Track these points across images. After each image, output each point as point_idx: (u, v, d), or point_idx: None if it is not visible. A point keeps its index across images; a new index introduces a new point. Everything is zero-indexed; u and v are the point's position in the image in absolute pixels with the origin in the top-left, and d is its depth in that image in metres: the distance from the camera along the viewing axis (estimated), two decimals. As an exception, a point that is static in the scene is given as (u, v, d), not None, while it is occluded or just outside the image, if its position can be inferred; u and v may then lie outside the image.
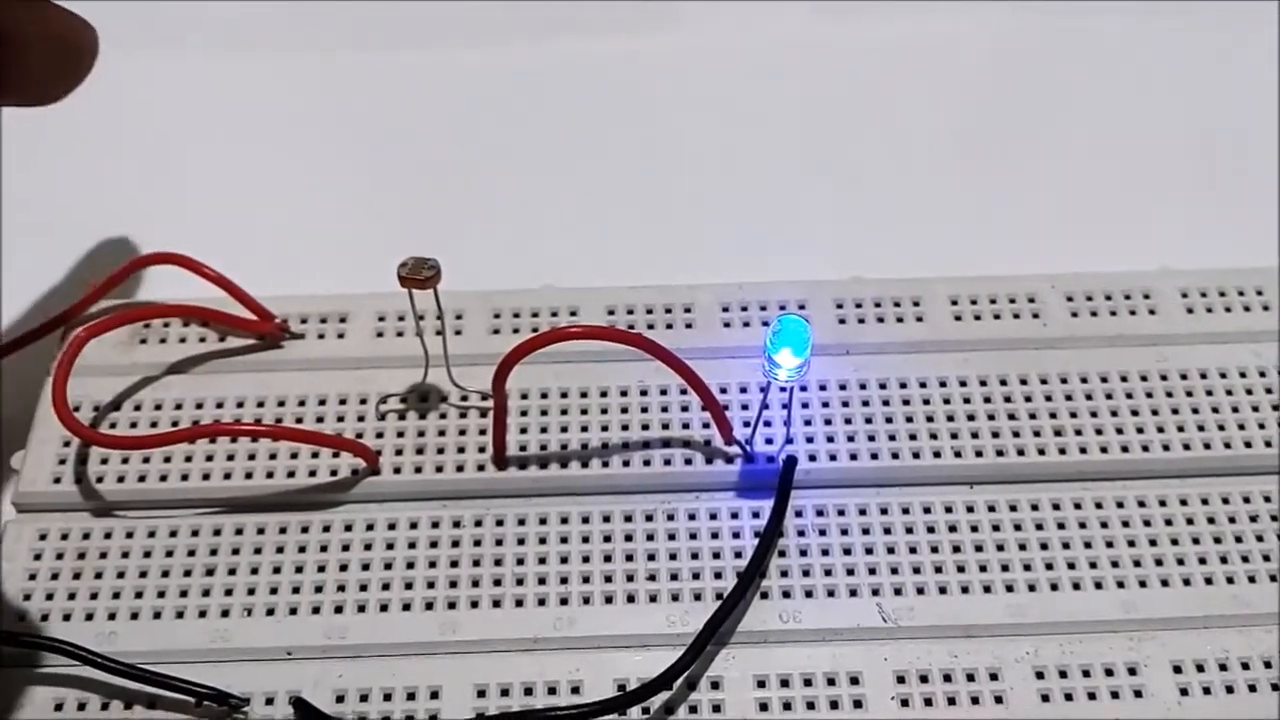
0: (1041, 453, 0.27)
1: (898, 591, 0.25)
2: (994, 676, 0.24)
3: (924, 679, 0.24)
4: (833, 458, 0.27)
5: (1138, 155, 0.35)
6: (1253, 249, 0.31)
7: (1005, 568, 0.25)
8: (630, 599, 0.25)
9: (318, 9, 0.38)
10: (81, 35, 0.24)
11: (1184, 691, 0.24)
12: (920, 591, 0.25)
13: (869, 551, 0.25)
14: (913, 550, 0.25)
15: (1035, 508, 0.26)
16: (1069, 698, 0.24)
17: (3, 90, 0.22)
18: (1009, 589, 0.25)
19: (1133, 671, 0.24)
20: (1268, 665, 0.24)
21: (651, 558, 0.25)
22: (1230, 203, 0.33)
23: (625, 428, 0.27)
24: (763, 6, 0.38)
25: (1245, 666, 0.24)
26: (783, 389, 0.26)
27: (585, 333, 0.25)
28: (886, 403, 0.27)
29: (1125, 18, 0.38)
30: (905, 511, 0.26)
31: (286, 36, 0.38)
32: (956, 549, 0.25)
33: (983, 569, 0.25)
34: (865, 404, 0.27)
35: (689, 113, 0.36)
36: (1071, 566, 0.25)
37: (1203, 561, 0.25)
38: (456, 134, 0.36)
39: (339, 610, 0.25)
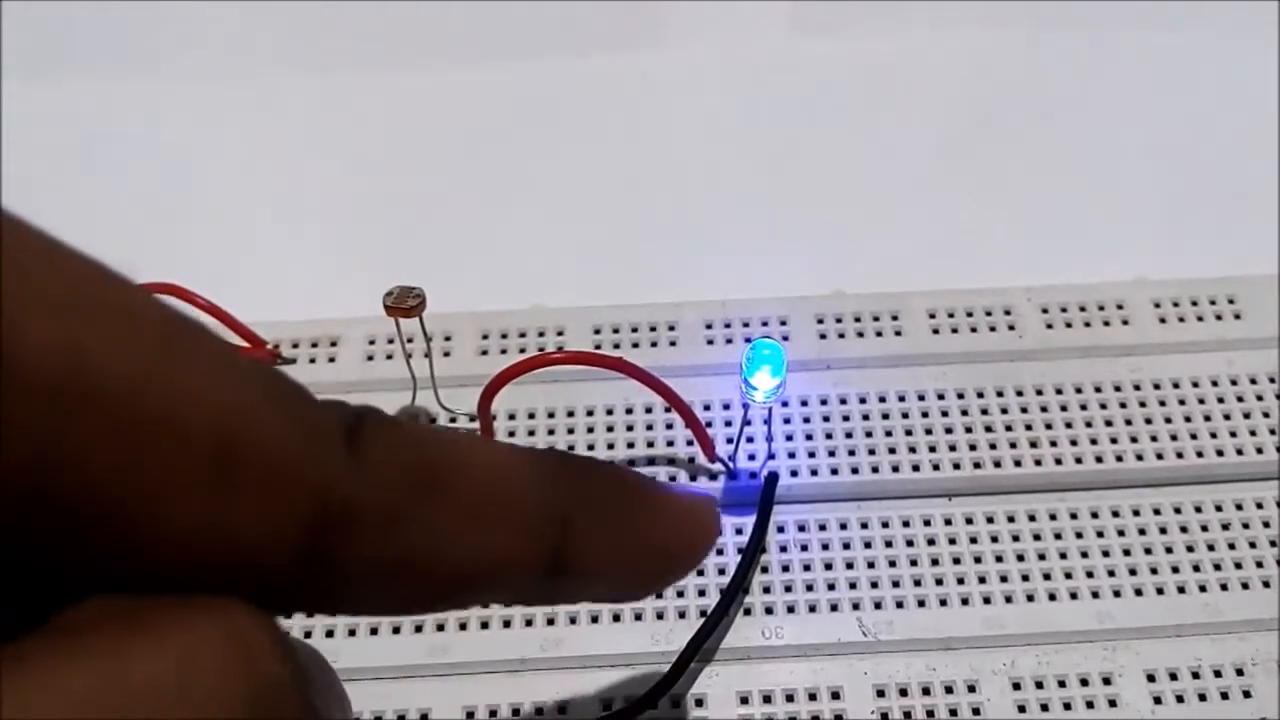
0: (1018, 464, 0.27)
1: (877, 605, 0.25)
2: (971, 688, 0.24)
3: (903, 692, 0.24)
4: (814, 473, 0.27)
5: (1115, 167, 0.35)
6: (1231, 259, 0.31)
7: (983, 580, 0.26)
8: (615, 618, 0.25)
9: (303, 34, 0.38)
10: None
11: (1158, 700, 0.24)
12: (899, 605, 0.25)
13: (849, 566, 0.26)
14: (892, 564, 0.26)
15: (1012, 519, 0.26)
16: (1045, 708, 0.24)
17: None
18: (986, 601, 0.25)
19: (1107, 681, 0.24)
20: (1239, 672, 0.24)
21: (636, 576, 0.26)
22: (1209, 213, 0.34)
23: (611, 446, 0.28)
24: (743, 24, 0.39)
25: (1218, 674, 0.24)
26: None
27: (567, 358, 0.26)
28: (866, 417, 0.28)
29: (1103, 32, 0.38)
30: (885, 525, 0.26)
31: (272, 62, 0.38)
32: (935, 562, 0.26)
33: (960, 581, 0.26)
34: (845, 419, 0.28)
35: (671, 131, 0.36)
36: (1047, 577, 0.26)
37: (1175, 570, 0.26)
38: (443, 155, 0.36)
39: (329, 634, 0.25)
